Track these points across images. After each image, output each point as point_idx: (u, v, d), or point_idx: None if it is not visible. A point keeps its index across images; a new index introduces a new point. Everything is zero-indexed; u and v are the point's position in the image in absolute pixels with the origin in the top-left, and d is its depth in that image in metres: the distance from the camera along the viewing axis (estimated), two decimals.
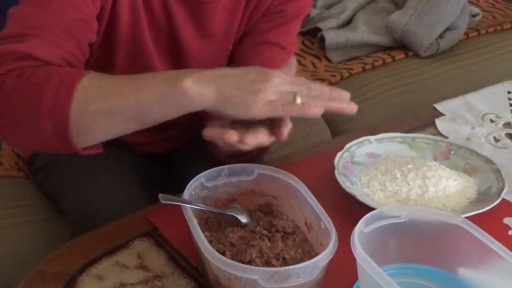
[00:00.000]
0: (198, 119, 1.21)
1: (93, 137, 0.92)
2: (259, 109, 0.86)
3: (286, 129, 0.92)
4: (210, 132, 0.92)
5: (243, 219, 0.91)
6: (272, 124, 0.92)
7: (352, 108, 0.91)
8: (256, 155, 1.12)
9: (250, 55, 1.16)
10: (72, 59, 0.96)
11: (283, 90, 0.87)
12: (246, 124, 0.91)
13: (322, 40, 1.89)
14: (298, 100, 0.86)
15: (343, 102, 0.90)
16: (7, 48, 0.92)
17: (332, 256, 0.79)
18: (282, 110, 0.87)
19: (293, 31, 1.20)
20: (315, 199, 0.88)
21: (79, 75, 0.90)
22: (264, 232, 0.89)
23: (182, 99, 0.86)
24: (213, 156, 1.13)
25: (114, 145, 1.21)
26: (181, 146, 1.30)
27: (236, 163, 1.05)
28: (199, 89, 0.85)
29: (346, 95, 0.91)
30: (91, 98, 0.88)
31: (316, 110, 0.87)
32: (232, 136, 0.89)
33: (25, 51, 0.91)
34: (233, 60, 1.19)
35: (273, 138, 0.92)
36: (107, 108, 0.88)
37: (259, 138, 0.90)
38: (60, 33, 0.94)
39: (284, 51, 1.19)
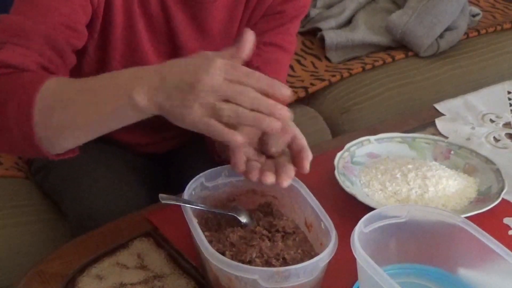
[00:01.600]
0: None
1: (60, 146, 0.93)
2: (193, 125, 0.81)
3: (308, 162, 0.90)
4: (243, 169, 0.89)
5: (243, 219, 0.91)
6: (293, 154, 0.91)
7: (276, 126, 0.81)
8: None
9: (250, 56, 1.16)
10: (49, 65, 0.96)
11: (214, 100, 0.79)
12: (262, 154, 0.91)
13: (322, 40, 1.89)
14: (224, 116, 0.79)
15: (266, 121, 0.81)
16: None
17: (332, 256, 0.79)
18: (215, 131, 0.80)
19: (293, 31, 1.20)
20: (315, 199, 0.88)
21: (39, 82, 0.90)
22: (264, 232, 0.89)
23: (131, 109, 0.84)
24: (210, 156, 1.13)
25: (115, 145, 1.21)
26: (181, 146, 1.30)
27: None
28: (146, 102, 0.82)
29: (284, 91, 0.82)
30: (50, 111, 0.89)
31: (240, 139, 0.81)
32: (269, 179, 0.87)
33: (1, 60, 0.93)
34: None
35: (294, 172, 0.90)
36: (69, 120, 0.89)
37: (291, 176, 0.89)
38: (40, 39, 0.95)
39: (284, 51, 1.19)
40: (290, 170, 0.89)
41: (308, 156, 0.90)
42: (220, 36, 1.14)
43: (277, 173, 0.89)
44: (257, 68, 1.08)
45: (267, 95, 0.80)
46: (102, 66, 1.09)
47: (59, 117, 0.89)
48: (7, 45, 0.94)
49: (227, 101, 0.79)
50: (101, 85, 0.89)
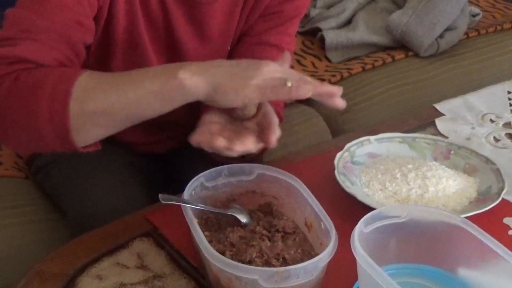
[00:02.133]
0: (198, 119, 1.21)
1: (92, 135, 0.93)
2: (248, 94, 0.86)
3: (275, 136, 0.92)
4: (197, 139, 0.92)
5: (243, 219, 0.92)
6: (261, 131, 0.93)
7: (339, 102, 0.92)
8: (252, 158, 1.13)
9: (248, 57, 1.16)
10: (66, 61, 0.96)
11: (273, 77, 0.87)
12: (235, 132, 0.92)
13: (322, 40, 1.89)
14: (289, 84, 0.86)
15: (335, 91, 0.91)
16: (1, 52, 0.92)
17: (332, 256, 0.79)
18: (271, 93, 0.87)
19: (291, 31, 1.20)
20: (315, 199, 0.88)
21: (75, 74, 0.90)
22: (264, 232, 0.89)
23: (178, 90, 0.87)
24: (210, 157, 1.13)
25: (115, 145, 1.21)
26: (181, 146, 1.30)
27: (233, 163, 1.06)
28: (194, 79, 0.86)
29: (337, 89, 0.92)
30: (88, 97, 0.89)
31: (304, 91, 0.87)
32: (220, 143, 0.89)
33: (19, 55, 0.92)
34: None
35: (261, 145, 0.92)
36: (106, 107, 0.89)
37: (247, 146, 0.91)
38: (54, 35, 0.94)
39: (282, 52, 1.19)
40: (248, 139, 0.91)
41: (276, 132, 0.92)
42: (218, 36, 1.14)
43: (264, 133, 0.91)
44: None
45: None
46: (102, 64, 1.09)
47: (96, 104, 0.89)
48: (21, 41, 0.93)
49: None
50: (142, 72, 0.91)
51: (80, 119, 0.89)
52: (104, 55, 1.09)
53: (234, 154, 0.92)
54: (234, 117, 0.95)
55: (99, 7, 1.01)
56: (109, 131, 0.94)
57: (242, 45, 1.18)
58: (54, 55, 0.94)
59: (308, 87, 0.87)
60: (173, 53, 1.13)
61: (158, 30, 1.10)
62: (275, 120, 0.94)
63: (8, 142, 0.98)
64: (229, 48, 1.18)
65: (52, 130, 0.89)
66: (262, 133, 0.93)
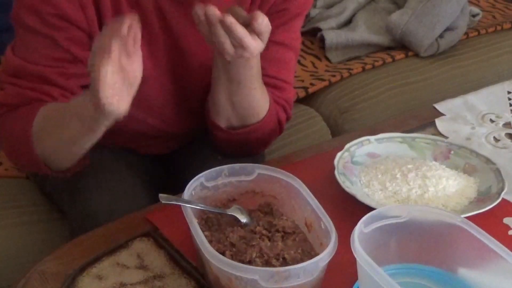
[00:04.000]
0: (198, 119, 1.21)
1: (62, 165, 1.08)
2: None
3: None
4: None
5: (243, 219, 0.91)
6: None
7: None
8: (256, 133, 1.15)
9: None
10: (44, 97, 1.05)
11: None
12: None
13: (322, 40, 1.89)
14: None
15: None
16: None
17: (332, 256, 0.79)
18: None
19: (297, 28, 1.21)
20: (315, 199, 0.88)
21: (32, 114, 1.03)
22: (264, 232, 0.89)
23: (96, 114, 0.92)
24: (213, 134, 1.17)
25: (115, 146, 1.21)
26: (182, 146, 1.30)
27: (235, 141, 1.13)
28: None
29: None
30: (40, 141, 1.03)
31: None
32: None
33: (6, 102, 1.07)
34: None
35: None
36: (54, 146, 1.04)
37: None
38: (31, 77, 1.06)
39: (289, 49, 1.19)
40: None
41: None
42: None
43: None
44: (262, 68, 1.09)
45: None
46: None
47: (48, 144, 1.03)
48: (5, 86, 1.08)
49: None
50: (69, 112, 0.99)
51: (45, 157, 1.05)
52: None
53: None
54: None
55: (88, 33, 1.05)
56: (73, 160, 1.07)
57: None
58: (30, 96, 1.05)
59: None
60: (175, 59, 1.13)
61: (157, 42, 1.10)
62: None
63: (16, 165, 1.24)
64: None
65: (33, 165, 1.07)
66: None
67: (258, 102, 1.12)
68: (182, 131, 1.24)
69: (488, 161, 1.09)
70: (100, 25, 1.05)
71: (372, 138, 1.14)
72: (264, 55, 1.08)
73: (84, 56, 1.03)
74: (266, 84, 1.14)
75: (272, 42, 1.16)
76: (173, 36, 1.11)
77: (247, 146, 1.16)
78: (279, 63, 1.19)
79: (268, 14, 1.14)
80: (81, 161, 1.07)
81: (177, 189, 0.94)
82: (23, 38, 1.06)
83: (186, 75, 1.16)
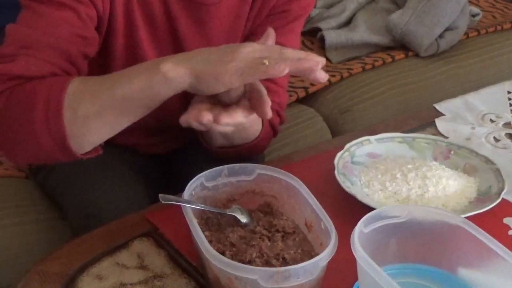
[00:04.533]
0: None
1: (89, 140, 0.94)
2: (228, 79, 0.85)
3: (267, 106, 0.90)
4: (185, 117, 0.92)
5: (243, 219, 0.91)
6: (253, 106, 0.92)
7: (321, 75, 0.87)
8: (248, 150, 1.12)
9: None
10: (62, 74, 0.97)
11: (252, 57, 0.86)
12: (224, 108, 0.91)
13: (322, 40, 1.89)
14: (266, 62, 0.85)
15: (314, 65, 0.87)
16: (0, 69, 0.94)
17: (332, 256, 0.79)
18: (248, 74, 0.85)
19: (298, 30, 1.20)
20: (315, 199, 0.88)
21: (65, 82, 0.92)
22: (264, 232, 0.89)
23: (162, 83, 0.88)
24: (204, 147, 1.13)
25: (116, 146, 1.21)
26: (182, 146, 1.30)
27: (228, 155, 1.08)
28: (175, 70, 0.87)
29: (319, 59, 0.88)
30: (79, 102, 0.90)
31: (279, 69, 0.85)
32: (206, 116, 0.89)
33: (14, 72, 0.94)
34: None
35: (250, 118, 0.91)
36: (96, 109, 0.90)
37: (234, 117, 0.90)
38: (51, 50, 0.96)
39: None
40: (236, 111, 0.90)
41: (268, 101, 0.90)
42: (224, 37, 1.14)
43: (257, 106, 0.90)
44: None
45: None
46: (102, 72, 1.09)
47: (87, 107, 0.90)
48: (19, 57, 0.95)
49: None
50: (127, 70, 0.92)
51: (75, 125, 0.90)
52: (104, 63, 1.09)
53: (223, 128, 0.91)
54: (222, 102, 0.94)
55: (99, 17, 1.02)
56: (105, 134, 0.94)
57: None
58: (49, 69, 0.95)
59: (283, 66, 0.85)
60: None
61: (160, 34, 1.10)
62: (264, 90, 0.93)
63: (12, 157, 0.99)
64: None
65: (50, 140, 0.91)
66: (255, 107, 0.92)
67: (251, 131, 1.11)
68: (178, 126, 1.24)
69: (488, 161, 1.09)
70: (110, 14, 1.03)
71: (372, 138, 1.14)
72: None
73: (93, 37, 1.01)
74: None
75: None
76: (179, 37, 1.11)
77: (240, 156, 1.14)
78: None
79: (269, 15, 1.15)
80: (97, 149, 0.98)
81: (177, 189, 0.94)
82: (40, 11, 0.98)
83: None
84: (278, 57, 0.86)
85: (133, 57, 1.08)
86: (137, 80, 0.89)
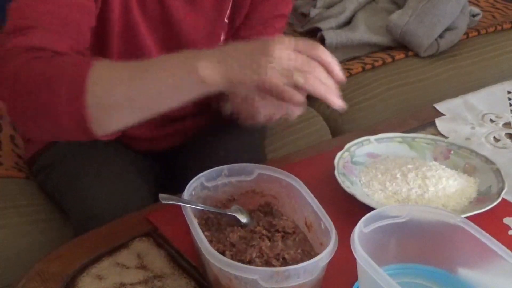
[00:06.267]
0: (199, 115, 1.22)
1: (111, 126, 0.93)
2: (261, 86, 0.86)
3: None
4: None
5: (243, 219, 0.92)
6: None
7: (339, 105, 0.90)
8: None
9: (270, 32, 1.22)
10: (78, 47, 0.97)
11: (284, 67, 0.85)
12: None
13: (322, 40, 1.89)
14: (300, 79, 0.85)
15: (333, 95, 0.89)
16: (14, 42, 0.93)
17: (332, 256, 0.79)
18: (276, 94, 0.86)
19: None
20: (315, 199, 0.88)
21: (89, 65, 0.90)
22: (264, 232, 0.89)
23: (198, 85, 0.87)
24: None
25: (117, 144, 1.21)
26: (182, 144, 1.30)
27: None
28: (212, 74, 0.86)
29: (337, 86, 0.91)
30: (106, 89, 0.89)
31: (315, 88, 0.87)
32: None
33: (33, 44, 0.92)
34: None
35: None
36: (125, 100, 0.89)
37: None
38: (61, 22, 0.95)
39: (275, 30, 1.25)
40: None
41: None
42: (211, 7, 1.16)
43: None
44: None
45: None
46: (99, 44, 1.10)
47: (114, 96, 0.89)
48: (33, 30, 0.93)
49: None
50: (161, 63, 0.91)
51: (98, 111, 0.89)
52: (100, 37, 1.09)
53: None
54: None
55: None
56: (127, 123, 0.93)
57: (249, 28, 1.22)
58: (66, 42, 0.95)
59: (319, 88, 0.87)
60: (167, 28, 1.14)
61: (151, 10, 1.11)
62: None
63: (29, 130, 0.98)
64: (226, 20, 1.19)
65: (71, 122, 0.90)
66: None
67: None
68: (188, 118, 1.26)
69: (488, 161, 1.09)
70: None
71: (372, 138, 1.14)
72: (271, 28, 1.18)
73: (92, 5, 1.01)
74: None
75: (278, 16, 1.23)
76: (172, 22, 1.12)
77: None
78: (281, 34, 1.25)
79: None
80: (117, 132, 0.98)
81: (177, 189, 0.94)
82: None
83: None
84: (308, 70, 0.86)
85: (126, 28, 1.10)
86: (171, 77, 0.88)
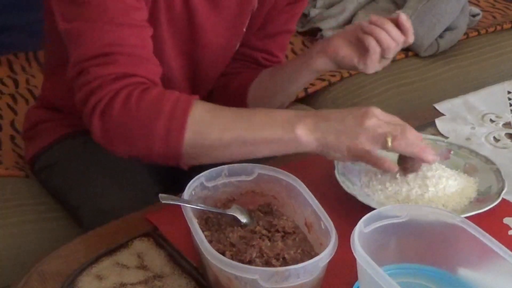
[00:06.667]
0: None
1: (201, 162, 0.99)
2: (353, 153, 0.94)
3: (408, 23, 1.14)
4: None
5: (243, 219, 0.92)
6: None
7: (434, 159, 0.99)
8: None
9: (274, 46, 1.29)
10: (159, 70, 1.01)
11: (377, 134, 0.93)
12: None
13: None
14: (389, 141, 0.93)
15: (427, 153, 0.97)
16: (102, 70, 0.94)
17: (332, 256, 0.79)
18: (372, 151, 0.94)
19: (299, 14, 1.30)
20: (315, 199, 0.88)
21: (190, 103, 0.95)
22: (264, 232, 0.89)
23: (293, 144, 0.95)
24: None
25: None
26: None
27: None
28: (308, 137, 0.94)
29: (434, 158, 0.98)
30: (205, 131, 0.95)
31: (402, 148, 0.95)
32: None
33: (123, 71, 0.95)
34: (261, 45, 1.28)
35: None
36: (222, 144, 0.95)
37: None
38: (139, 45, 0.98)
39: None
40: None
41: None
42: (235, 8, 1.17)
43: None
44: (271, 53, 1.27)
45: None
46: None
47: (215, 139, 0.95)
48: (117, 56, 0.95)
49: None
50: (260, 116, 0.97)
51: (194, 150, 0.95)
52: None
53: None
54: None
55: None
56: (217, 162, 0.97)
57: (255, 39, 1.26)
58: (152, 68, 0.99)
59: (408, 149, 0.96)
60: (189, 33, 1.14)
61: (177, 8, 1.11)
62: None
63: (121, 152, 0.99)
64: (244, 30, 1.21)
65: (165, 153, 0.95)
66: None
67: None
68: None
69: (488, 161, 1.09)
70: None
71: None
72: (276, 42, 1.21)
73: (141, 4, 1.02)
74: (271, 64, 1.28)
75: (285, 32, 1.28)
76: (195, 22, 1.13)
77: None
78: (284, 48, 1.31)
79: (284, 5, 1.23)
80: None
81: (177, 189, 0.94)
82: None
83: (200, 62, 1.20)
84: (400, 134, 0.94)
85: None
86: (272, 133, 0.95)
